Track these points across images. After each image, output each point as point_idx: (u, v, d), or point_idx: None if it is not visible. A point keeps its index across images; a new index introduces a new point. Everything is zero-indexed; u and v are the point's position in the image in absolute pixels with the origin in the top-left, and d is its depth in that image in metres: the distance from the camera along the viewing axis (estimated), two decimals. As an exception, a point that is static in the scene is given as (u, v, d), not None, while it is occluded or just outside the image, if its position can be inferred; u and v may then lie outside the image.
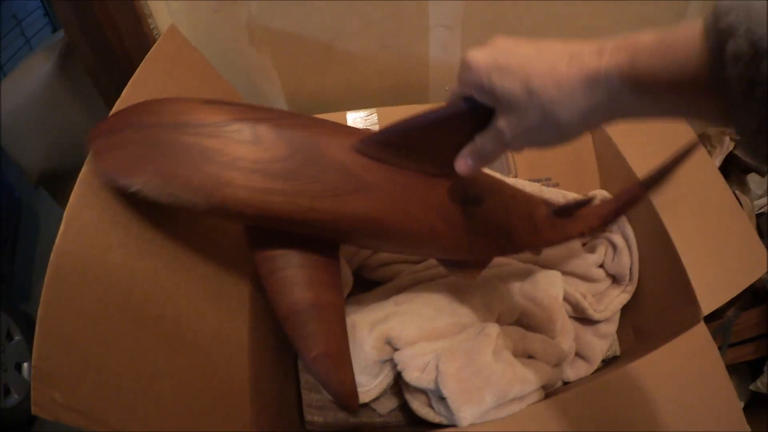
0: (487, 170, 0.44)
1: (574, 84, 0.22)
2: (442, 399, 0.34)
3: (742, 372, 0.60)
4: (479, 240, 0.35)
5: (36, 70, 0.70)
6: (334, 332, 0.32)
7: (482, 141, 0.27)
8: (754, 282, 0.57)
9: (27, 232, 1.20)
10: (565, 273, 0.46)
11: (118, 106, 0.35)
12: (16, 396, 0.92)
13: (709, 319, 0.59)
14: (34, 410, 0.25)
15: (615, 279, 0.48)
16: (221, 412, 0.35)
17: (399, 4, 0.51)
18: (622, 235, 0.48)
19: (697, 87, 0.19)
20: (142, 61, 0.40)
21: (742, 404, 0.59)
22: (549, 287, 0.42)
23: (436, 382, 0.34)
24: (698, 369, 0.39)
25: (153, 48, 0.39)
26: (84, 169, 0.31)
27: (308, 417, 0.43)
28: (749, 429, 0.40)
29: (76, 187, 0.30)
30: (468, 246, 0.34)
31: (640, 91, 0.20)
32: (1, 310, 0.96)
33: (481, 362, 0.33)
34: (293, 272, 0.31)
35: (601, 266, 0.48)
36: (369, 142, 0.30)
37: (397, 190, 0.30)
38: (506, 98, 0.24)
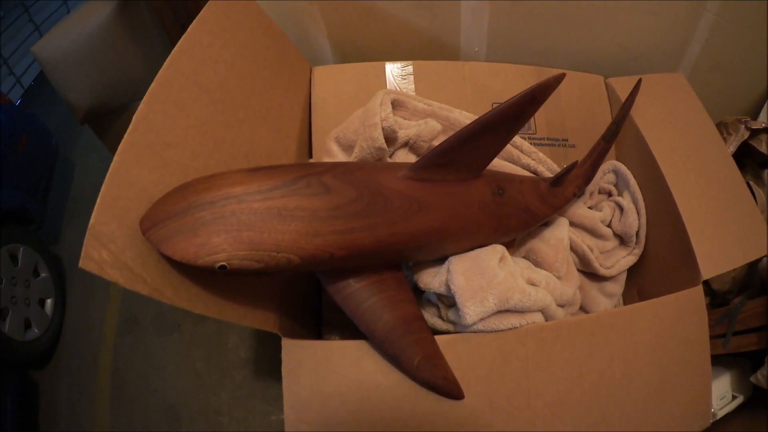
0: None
1: None
2: (451, 307, 0.37)
3: (744, 364, 0.60)
4: (510, 221, 0.41)
5: (95, 14, 0.71)
6: (424, 338, 0.35)
7: None
8: (762, 273, 0.57)
9: (61, 179, 1.19)
10: (572, 224, 0.48)
11: (179, 48, 0.37)
12: (36, 330, 0.92)
13: (717, 305, 0.60)
14: (82, 263, 0.27)
15: (622, 240, 0.50)
16: (252, 305, 0.37)
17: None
18: (632, 199, 0.50)
19: None
20: (206, 3, 0.43)
21: (742, 398, 0.59)
22: (555, 229, 0.45)
23: (446, 283, 0.36)
24: (684, 330, 0.41)
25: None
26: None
27: (326, 335, 0.45)
28: (711, 401, 0.42)
29: (147, 95, 0.33)
30: (505, 229, 0.40)
31: None
32: (30, 248, 0.97)
33: (485, 265, 0.36)
34: (376, 300, 0.35)
35: (609, 226, 0.50)
36: (416, 168, 0.35)
37: (447, 200, 0.36)
38: None
